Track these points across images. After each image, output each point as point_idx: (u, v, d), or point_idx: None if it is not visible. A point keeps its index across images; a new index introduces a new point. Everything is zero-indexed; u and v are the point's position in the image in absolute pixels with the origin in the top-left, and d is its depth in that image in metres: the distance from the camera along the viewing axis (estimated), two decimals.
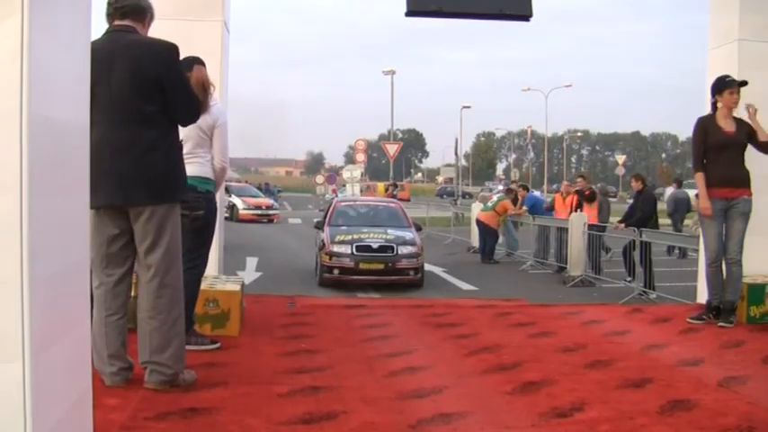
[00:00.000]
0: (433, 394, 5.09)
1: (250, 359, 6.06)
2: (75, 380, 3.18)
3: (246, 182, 57.53)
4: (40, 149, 2.68)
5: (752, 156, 7.87)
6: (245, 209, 40.11)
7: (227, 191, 39.69)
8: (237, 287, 7.15)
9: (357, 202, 20.74)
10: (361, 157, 45.63)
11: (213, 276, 7.59)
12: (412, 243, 16.14)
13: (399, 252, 15.67)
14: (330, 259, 15.40)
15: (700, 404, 4.96)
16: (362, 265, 15.36)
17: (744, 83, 7.84)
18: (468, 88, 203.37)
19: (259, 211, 40.67)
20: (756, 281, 7.98)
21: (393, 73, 56.40)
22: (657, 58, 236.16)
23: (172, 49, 5.09)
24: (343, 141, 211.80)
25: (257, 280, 15.68)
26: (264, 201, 43.29)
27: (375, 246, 15.70)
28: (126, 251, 5.05)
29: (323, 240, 16.09)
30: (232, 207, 39.36)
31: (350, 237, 15.94)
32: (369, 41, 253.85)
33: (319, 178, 58.78)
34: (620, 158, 72.07)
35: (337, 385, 5.29)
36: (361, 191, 37.45)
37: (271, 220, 40.56)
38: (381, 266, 15.44)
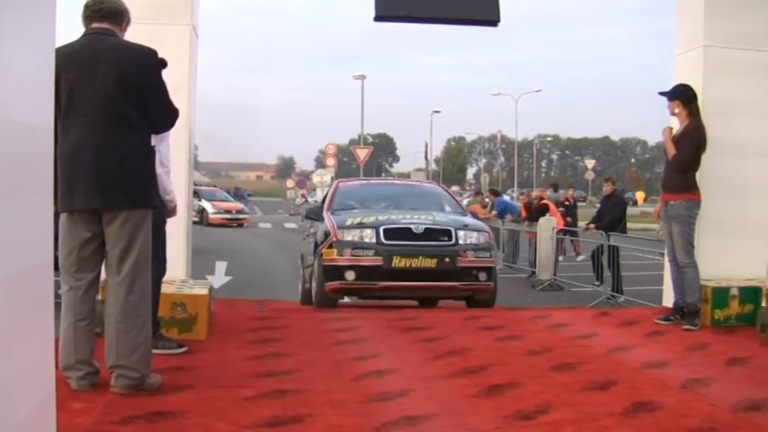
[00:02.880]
0: (399, 397, 5.11)
1: (217, 363, 6.05)
2: (37, 383, 3.17)
3: (216, 186, 57.36)
4: (2, 151, 2.67)
5: (706, 161, 8.01)
6: (214, 213, 40.10)
7: (197, 195, 39.63)
8: (205, 291, 7.14)
9: (372, 181, 16.20)
10: (331, 161, 45.70)
11: (181, 280, 7.59)
12: (478, 228, 10.83)
13: (461, 240, 10.26)
14: (338, 255, 9.96)
15: (663, 406, 5.00)
16: (398, 262, 9.89)
17: (667, 92, 8.19)
18: (439, 93, 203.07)
19: (229, 216, 40.66)
20: (721, 284, 8.06)
21: (364, 78, 56.44)
22: (628, 63, 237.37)
23: (154, 54, 5.12)
24: (314, 146, 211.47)
25: (227, 284, 15.53)
26: (234, 205, 43.30)
27: (418, 229, 10.21)
28: (97, 255, 5.03)
29: (324, 232, 10.52)
30: (202, 211, 39.29)
31: (372, 218, 10.45)
32: (340, 46, 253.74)
33: (289, 182, 58.83)
34: (590, 163, 72.51)
35: (304, 389, 5.29)
36: None
37: (241, 225, 40.55)
38: (432, 263, 9.93)
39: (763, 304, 7.59)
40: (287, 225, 42.95)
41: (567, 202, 19.18)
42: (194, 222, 33.87)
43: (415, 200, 12.14)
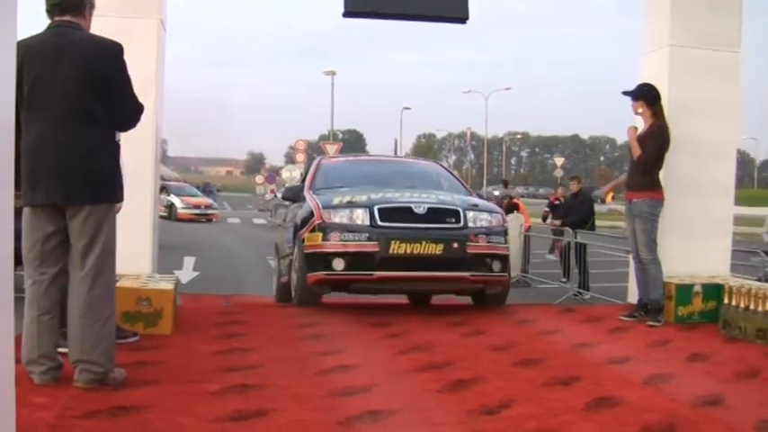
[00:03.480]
0: (363, 392, 5.13)
1: (182, 357, 6.04)
2: None
3: (185, 181, 57.15)
4: None
5: (670, 160, 8.12)
6: (183, 208, 39.94)
7: (166, 190, 39.50)
8: (171, 286, 7.13)
9: (361, 158, 13.31)
10: (301, 157, 45.62)
11: (147, 275, 7.56)
12: (490, 209, 9.16)
13: (471, 222, 8.59)
14: (323, 240, 8.35)
15: (625, 401, 5.06)
16: (397, 248, 8.18)
17: (631, 91, 8.30)
18: (409, 90, 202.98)
19: (198, 211, 40.54)
20: (684, 281, 8.14)
21: (333, 74, 56.43)
22: (597, 62, 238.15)
23: (119, 48, 5.08)
24: (284, 141, 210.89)
25: (194, 279, 15.53)
26: (203, 200, 43.16)
27: (419, 208, 8.49)
28: (60, 249, 5.00)
29: (305, 214, 8.87)
30: (170, 206, 39.15)
31: (364, 197, 8.73)
32: (310, 41, 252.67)
33: (259, 178, 58.70)
34: (559, 161, 72.69)
35: (268, 383, 5.29)
36: None
37: (209, 220, 40.45)
38: (438, 250, 8.24)
39: (726, 301, 7.67)
40: (256, 221, 42.89)
41: (557, 202, 18.56)
42: (163, 217, 33.85)
43: (412, 178, 10.45)
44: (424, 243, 8.18)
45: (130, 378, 5.11)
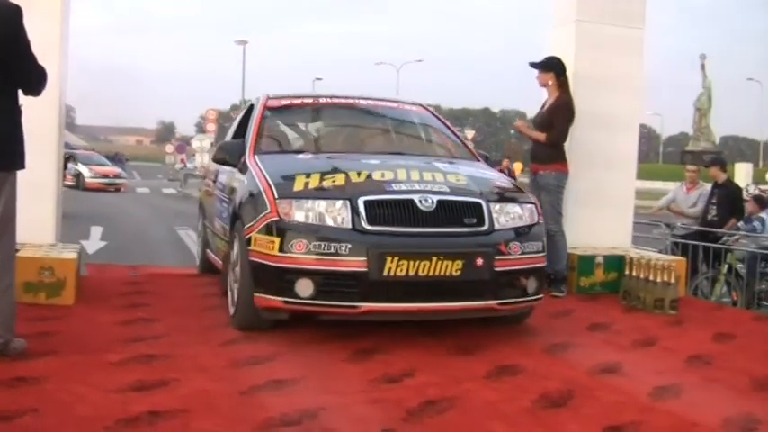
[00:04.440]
0: (268, 361, 5.15)
1: (84, 328, 5.98)
2: None
3: (94, 150, 56.22)
4: None
5: (575, 134, 8.29)
6: (91, 177, 39.46)
7: (73, 159, 38.86)
8: (74, 255, 7.03)
9: (323, 100, 8.13)
10: (211, 126, 45.23)
11: (50, 244, 7.44)
12: (519, 198, 6.38)
13: (499, 221, 5.96)
14: (281, 250, 5.56)
15: (525, 369, 5.17)
16: (394, 267, 5.45)
17: (540, 63, 8.35)
18: (322, 61, 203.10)
19: (106, 180, 40.07)
20: (586, 252, 8.30)
21: (245, 43, 55.94)
22: (508, 36, 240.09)
23: (17, 11, 4.94)
24: (195, 111, 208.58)
25: (102, 249, 15.38)
26: (112, 169, 42.60)
27: (426, 202, 5.73)
28: None
29: (250, 197, 6.10)
30: (78, 175, 38.67)
31: (340, 178, 6.00)
32: (222, 10, 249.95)
33: (169, 148, 58.19)
34: (470, 133, 73.16)
35: (172, 353, 5.28)
36: None
37: (118, 190, 40.03)
38: (455, 269, 5.56)
39: (626, 272, 7.85)
40: (165, 191, 42.49)
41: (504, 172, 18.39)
42: (70, 187, 33.44)
43: (399, 137, 8.03)
44: (434, 260, 5.48)
45: (31, 348, 5.05)
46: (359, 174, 6.03)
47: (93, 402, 4.23)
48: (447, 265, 5.52)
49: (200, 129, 69.68)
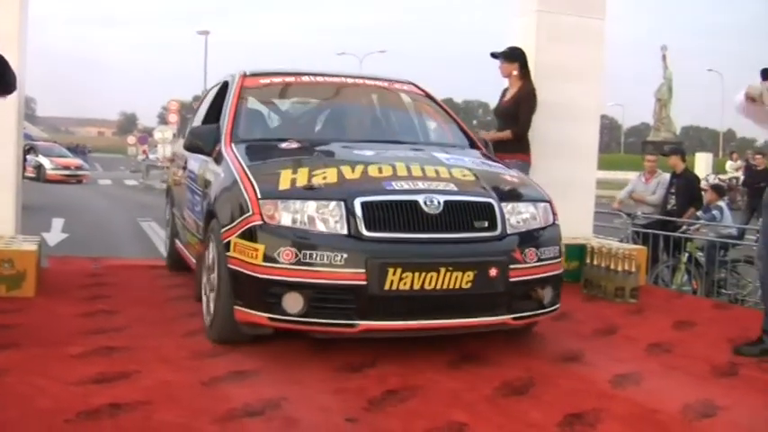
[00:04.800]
0: (230, 352, 5.13)
1: (45, 320, 5.94)
2: None
3: (55, 141, 55.72)
4: None
5: (538, 125, 8.27)
6: (52, 169, 39.07)
7: (34, 150, 38.52)
8: (34, 247, 6.97)
9: (304, 79, 7.23)
10: (173, 117, 44.89)
11: (9, 236, 7.38)
12: (532, 195, 5.75)
13: (511, 223, 5.30)
14: (265, 259, 4.85)
15: (487, 358, 5.22)
16: (397, 280, 4.78)
17: (503, 53, 8.33)
18: (284, 51, 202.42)
19: (67, 172, 39.70)
20: None
21: (207, 33, 55.61)
22: (471, 27, 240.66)
23: None
24: (157, 102, 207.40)
25: (63, 241, 15.27)
26: (73, 161, 42.25)
27: (432, 204, 5.02)
28: None
29: (231, 195, 5.31)
30: (39, 167, 38.29)
31: (332, 173, 5.25)
32: (183, 1, 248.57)
33: (131, 139, 57.75)
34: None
35: (134, 345, 5.25)
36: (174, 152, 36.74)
37: (80, 181, 39.67)
38: (465, 281, 4.90)
39: (588, 261, 7.91)
40: (128, 182, 42.20)
41: None
42: (31, 179, 33.13)
43: (393, 122, 7.51)
44: (443, 271, 4.85)
45: None
46: (353, 169, 5.32)
47: (53, 395, 4.21)
48: (457, 277, 4.87)
49: (163, 120, 69.23)
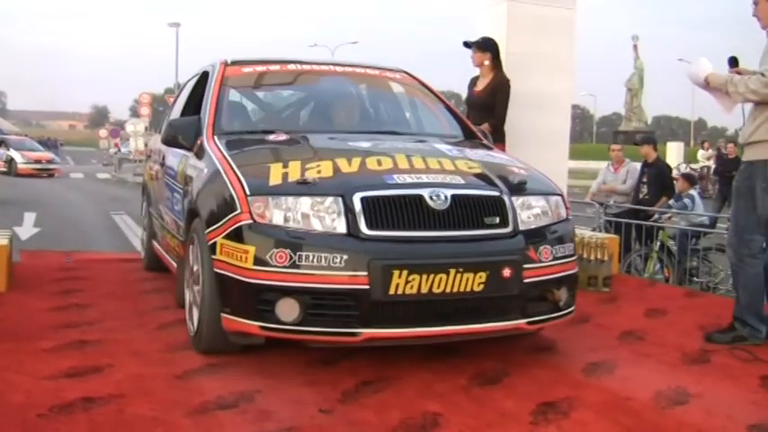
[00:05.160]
0: None
1: (16, 315, 5.90)
2: None
3: (26, 135, 55.33)
4: None
5: (510, 114, 8.27)
6: (24, 163, 38.83)
7: (5, 144, 38.27)
8: (5, 241, 6.92)
9: (289, 67, 6.80)
10: (145, 110, 44.70)
11: None
12: (542, 188, 5.29)
13: (523, 218, 4.90)
14: (256, 262, 4.42)
15: (460, 348, 5.19)
16: (403, 284, 4.35)
17: (476, 43, 8.31)
18: (256, 43, 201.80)
19: (39, 166, 39.46)
20: None
21: (178, 26, 55.36)
22: (442, 18, 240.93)
23: None
24: (129, 95, 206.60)
25: (35, 235, 15.17)
26: (45, 155, 42.00)
27: (438, 199, 4.60)
28: None
29: (215, 191, 4.90)
30: (10, 161, 37.99)
31: (327, 165, 4.84)
32: None
33: (103, 132, 57.44)
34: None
35: (106, 339, 5.24)
36: (146, 145, 36.62)
37: (51, 175, 39.40)
38: (479, 284, 4.50)
39: None
40: (100, 175, 41.95)
41: None
42: (2, 173, 32.97)
43: (387, 112, 7.06)
44: (452, 272, 4.44)
45: None
46: (349, 161, 4.90)
47: (26, 390, 4.18)
48: (468, 279, 4.47)
49: (134, 113, 69.01)
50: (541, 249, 4.82)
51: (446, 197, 4.61)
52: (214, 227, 4.71)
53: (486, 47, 8.26)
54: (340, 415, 4.02)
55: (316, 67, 7.02)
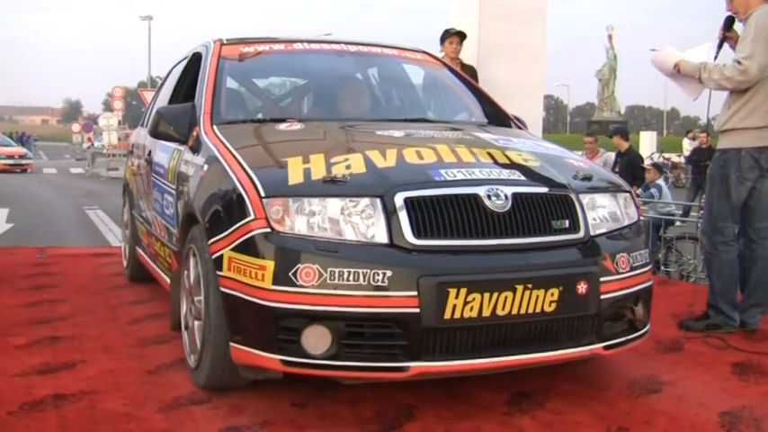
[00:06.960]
0: (175, 340, 5.05)
1: None
2: None
3: None
4: None
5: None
6: None
7: None
8: None
9: (295, 46, 5.86)
10: (118, 104, 44.37)
11: None
12: (607, 183, 4.43)
13: (593, 221, 4.06)
14: (275, 282, 3.51)
15: None
16: (461, 306, 3.49)
17: (461, 33, 8.27)
18: (231, 34, 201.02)
19: (11, 161, 39.24)
20: None
21: (150, 18, 55.10)
22: (414, 5, 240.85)
23: None
24: (102, 89, 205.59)
25: (8, 231, 15.05)
26: (17, 150, 41.76)
27: (498, 199, 3.74)
28: None
29: (220, 192, 4.00)
30: None
31: (357, 159, 3.95)
32: None
33: (76, 126, 57.06)
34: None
35: (78, 334, 5.22)
36: (119, 139, 36.43)
37: (24, 170, 39.19)
38: (550, 303, 3.66)
39: None
40: (73, 170, 41.69)
41: None
42: None
43: (412, 96, 6.19)
44: (520, 290, 3.64)
45: None
46: (383, 153, 4.05)
47: None
48: (538, 297, 3.66)
49: (108, 107, 68.56)
50: (618, 258, 4.02)
51: (506, 196, 3.80)
52: (219, 236, 3.86)
53: (464, 37, 8.27)
54: (313, 409, 4.00)
55: (326, 46, 6.10)
